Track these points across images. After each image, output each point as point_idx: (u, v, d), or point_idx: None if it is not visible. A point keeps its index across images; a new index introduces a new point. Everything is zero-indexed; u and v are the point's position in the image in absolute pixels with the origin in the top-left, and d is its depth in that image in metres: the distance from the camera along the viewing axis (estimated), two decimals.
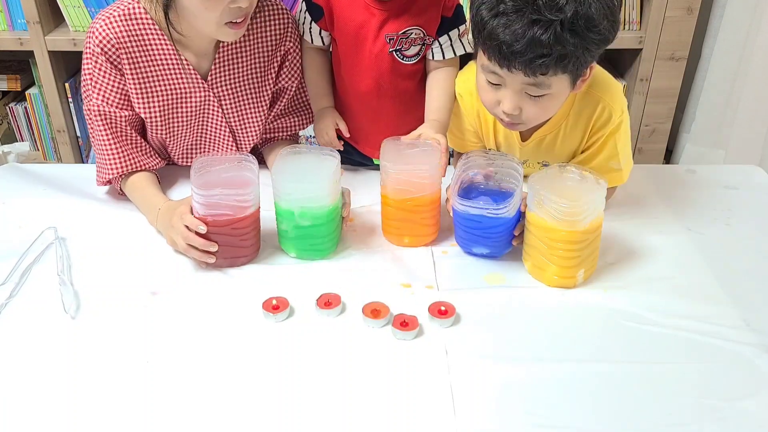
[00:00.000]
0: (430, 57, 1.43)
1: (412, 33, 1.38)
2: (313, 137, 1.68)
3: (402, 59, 1.41)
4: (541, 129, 1.34)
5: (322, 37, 1.45)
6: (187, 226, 1.19)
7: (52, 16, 2.18)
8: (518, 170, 1.21)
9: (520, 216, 1.21)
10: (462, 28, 1.41)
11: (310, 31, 1.44)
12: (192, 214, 1.19)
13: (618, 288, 1.19)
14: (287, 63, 1.47)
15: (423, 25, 1.38)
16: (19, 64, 2.39)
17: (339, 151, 1.32)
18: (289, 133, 1.55)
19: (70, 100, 2.27)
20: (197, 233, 1.18)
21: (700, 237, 1.33)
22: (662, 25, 2.16)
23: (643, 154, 2.36)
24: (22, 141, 2.43)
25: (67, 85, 2.25)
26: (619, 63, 2.35)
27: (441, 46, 1.41)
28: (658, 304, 1.15)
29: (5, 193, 1.46)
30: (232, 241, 1.21)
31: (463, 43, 1.42)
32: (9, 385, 1.00)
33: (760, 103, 2.31)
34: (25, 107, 2.38)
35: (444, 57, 1.42)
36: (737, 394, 0.98)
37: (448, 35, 1.40)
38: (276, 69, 1.46)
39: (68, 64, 2.28)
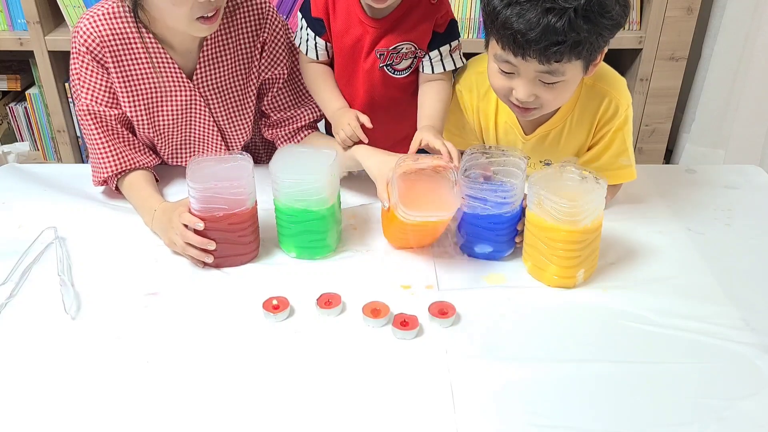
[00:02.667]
0: (421, 70, 1.42)
1: (402, 48, 1.37)
2: None
3: (393, 73, 1.40)
4: (546, 124, 1.34)
5: (327, 51, 1.42)
6: (185, 225, 1.20)
7: (52, 16, 2.18)
8: (520, 165, 1.21)
9: (522, 212, 1.21)
10: (454, 44, 1.39)
11: (316, 48, 1.40)
12: (190, 212, 1.19)
13: (618, 288, 1.19)
14: (266, 53, 1.45)
15: (414, 40, 1.37)
16: (19, 64, 2.39)
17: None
18: (300, 124, 1.51)
19: (70, 100, 2.27)
20: (195, 231, 1.19)
21: (700, 237, 1.33)
22: (662, 25, 2.16)
23: (643, 154, 2.36)
24: (22, 141, 2.43)
25: (67, 85, 2.25)
26: (619, 63, 2.35)
27: (431, 60, 1.39)
28: (658, 304, 1.15)
29: (5, 193, 1.46)
30: (231, 238, 1.21)
31: (453, 59, 1.40)
32: (9, 386, 1.00)
33: (760, 103, 2.31)
34: (25, 107, 2.38)
35: (433, 71, 1.40)
36: (737, 394, 0.98)
37: (439, 50, 1.38)
38: (258, 64, 1.45)
39: (68, 64, 2.25)
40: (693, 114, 2.43)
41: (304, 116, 1.51)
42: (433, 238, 1.28)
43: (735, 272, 1.23)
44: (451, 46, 1.39)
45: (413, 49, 1.38)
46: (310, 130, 1.53)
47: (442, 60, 1.39)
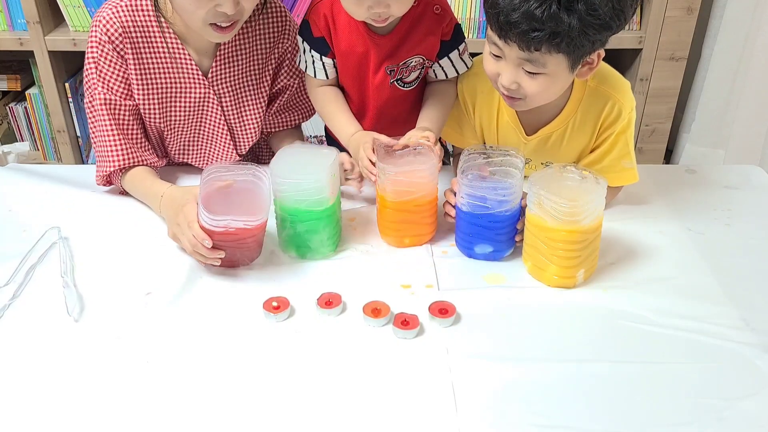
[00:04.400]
0: (432, 76, 1.42)
1: (411, 62, 1.37)
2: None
3: (402, 86, 1.40)
4: (548, 126, 1.34)
5: (335, 68, 1.40)
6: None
7: (52, 16, 2.18)
8: (518, 165, 1.21)
9: (522, 211, 1.21)
10: (462, 47, 1.39)
11: (324, 68, 1.38)
12: (198, 221, 1.17)
13: (618, 288, 1.19)
14: (286, 63, 1.48)
15: (422, 53, 1.36)
16: (19, 64, 2.39)
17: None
18: (289, 126, 1.56)
19: (70, 100, 2.27)
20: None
21: (700, 237, 1.33)
22: (662, 25, 2.16)
23: (643, 154, 2.36)
24: (22, 141, 2.43)
25: (67, 85, 2.25)
26: (619, 63, 2.35)
27: (443, 68, 1.39)
28: (658, 304, 1.15)
29: (7, 193, 1.45)
30: (236, 251, 1.20)
31: (464, 60, 1.40)
32: (11, 387, 1.00)
33: (760, 103, 2.31)
34: (25, 107, 2.38)
35: (447, 77, 1.41)
36: (737, 394, 0.99)
37: (449, 57, 1.38)
38: (272, 69, 1.47)
39: (68, 64, 2.28)
40: (693, 114, 2.44)
41: (294, 120, 1.56)
42: (423, 225, 1.27)
43: (735, 272, 1.23)
44: (459, 51, 1.39)
45: (422, 60, 1.37)
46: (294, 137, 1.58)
47: (453, 65, 1.39)
